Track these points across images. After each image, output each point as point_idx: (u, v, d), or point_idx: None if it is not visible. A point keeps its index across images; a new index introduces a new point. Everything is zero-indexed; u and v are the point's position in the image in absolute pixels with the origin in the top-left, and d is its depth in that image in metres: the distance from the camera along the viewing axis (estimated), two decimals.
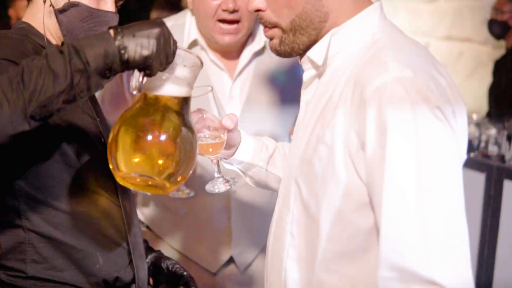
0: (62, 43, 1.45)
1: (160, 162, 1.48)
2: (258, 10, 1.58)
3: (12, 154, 1.68)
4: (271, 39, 1.59)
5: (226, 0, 2.34)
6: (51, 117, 1.44)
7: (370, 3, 1.56)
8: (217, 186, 1.76)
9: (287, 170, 1.66)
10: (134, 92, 1.48)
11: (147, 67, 1.45)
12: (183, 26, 2.50)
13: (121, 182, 1.53)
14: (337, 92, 1.49)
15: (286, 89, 2.54)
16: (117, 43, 1.42)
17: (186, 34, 2.49)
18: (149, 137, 1.48)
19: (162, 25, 1.46)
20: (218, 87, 2.46)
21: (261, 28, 2.48)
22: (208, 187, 1.77)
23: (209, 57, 2.48)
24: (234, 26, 2.38)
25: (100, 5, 1.81)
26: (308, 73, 1.61)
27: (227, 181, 1.77)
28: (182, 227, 2.58)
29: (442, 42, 5.43)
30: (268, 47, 2.43)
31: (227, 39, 2.39)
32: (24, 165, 1.71)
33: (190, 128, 1.54)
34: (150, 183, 1.50)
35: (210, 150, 1.72)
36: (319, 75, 1.59)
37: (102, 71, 1.42)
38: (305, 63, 1.60)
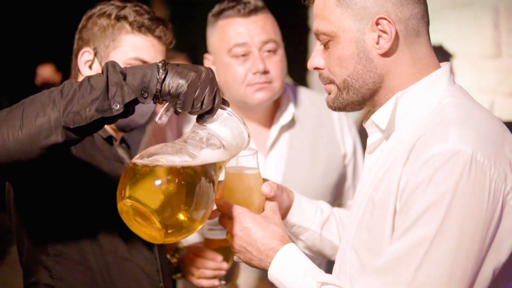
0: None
1: (165, 201, 1.42)
2: (316, 68, 1.62)
3: (47, 211, 1.72)
4: (328, 93, 1.62)
5: (255, 62, 2.26)
6: (85, 132, 1.45)
7: (438, 66, 1.55)
8: None
9: (344, 236, 1.61)
10: (157, 120, 1.47)
11: (179, 98, 1.45)
12: None
13: (120, 211, 1.48)
14: (399, 156, 1.46)
15: (325, 164, 2.42)
16: (158, 65, 1.45)
17: None
18: (162, 177, 1.43)
19: (208, 71, 1.49)
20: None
21: (288, 101, 2.42)
22: None
23: None
24: (266, 84, 2.29)
25: None
26: (372, 137, 1.60)
27: None
28: None
29: (508, 99, 5.22)
30: (297, 119, 2.40)
31: (259, 96, 2.28)
32: (58, 224, 1.73)
33: (210, 185, 1.48)
34: (145, 226, 1.45)
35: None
36: (386, 139, 1.57)
37: (138, 88, 1.44)
38: (369, 126, 1.60)
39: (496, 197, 1.36)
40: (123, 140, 2.02)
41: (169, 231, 1.43)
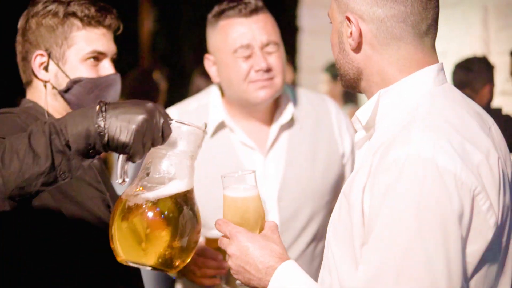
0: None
1: (154, 252, 1.52)
2: None
3: (12, 230, 1.69)
4: None
5: (258, 60, 2.27)
6: (31, 198, 1.42)
7: (428, 63, 1.51)
8: None
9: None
10: (119, 182, 1.45)
11: (129, 154, 1.42)
12: (207, 107, 2.43)
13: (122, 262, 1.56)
14: (368, 158, 1.45)
15: (324, 163, 2.42)
16: (98, 123, 1.39)
17: (211, 116, 2.40)
18: (142, 229, 1.50)
19: (150, 111, 1.42)
20: (250, 168, 2.34)
21: (287, 101, 2.43)
22: None
23: (239, 139, 2.39)
24: (268, 81, 2.30)
25: (99, 72, 1.86)
26: (359, 134, 1.58)
27: None
28: None
29: (498, 97, 5.28)
30: (296, 119, 2.41)
31: (262, 94, 2.29)
32: (24, 244, 1.71)
33: (191, 212, 1.56)
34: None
35: None
36: (369, 136, 1.55)
37: (84, 151, 1.39)
38: (355, 123, 1.59)
39: (464, 200, 1.32)
40: None
41: (174, 266, 1.58)
